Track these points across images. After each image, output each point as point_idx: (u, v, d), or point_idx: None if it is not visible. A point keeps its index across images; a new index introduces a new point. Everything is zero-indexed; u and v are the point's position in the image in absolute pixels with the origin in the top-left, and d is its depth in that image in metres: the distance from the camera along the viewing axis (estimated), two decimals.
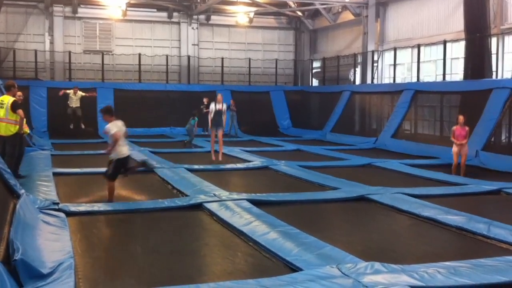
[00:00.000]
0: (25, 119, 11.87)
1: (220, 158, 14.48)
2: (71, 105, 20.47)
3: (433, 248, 6.63)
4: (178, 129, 22.42)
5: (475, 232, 7.06)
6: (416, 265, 5.50)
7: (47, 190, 9.16)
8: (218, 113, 14.41)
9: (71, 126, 20.39)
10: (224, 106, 14.73)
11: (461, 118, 12.41)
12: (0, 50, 23.05)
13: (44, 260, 5.33)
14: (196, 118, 17.59)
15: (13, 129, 10.27)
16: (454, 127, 12.42)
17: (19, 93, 11.33)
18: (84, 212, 7.95)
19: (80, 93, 20.46)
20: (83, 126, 20.55)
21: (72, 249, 5.85)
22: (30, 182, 9.88)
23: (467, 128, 12.41)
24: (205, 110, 18.60)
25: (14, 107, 10.19)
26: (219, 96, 14.71)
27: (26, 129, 12.55)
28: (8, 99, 10.35)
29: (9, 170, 7.79)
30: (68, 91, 20.48)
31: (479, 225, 7.26)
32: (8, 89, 10.78)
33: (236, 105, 21.97)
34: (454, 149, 12.29)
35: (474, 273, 5.30)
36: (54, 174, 11.03)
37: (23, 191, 7.58)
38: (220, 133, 14.51)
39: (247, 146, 17.78)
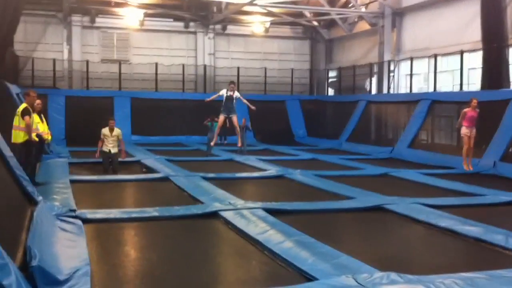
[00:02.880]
0: (44, 128, 12.09)
1: (239, 144, 14.64)
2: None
3: (450, 259, 6.57)
4: (194, 137, 22.52)
5: (492, 243, 6.96)
6: (432, 276, 5.44)
7: (64, 197, 9.22)
8: (229, 98, 14.32)
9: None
10: (236, 94, 14.64)
11: (474, 101, 12.31)
12: (19, 59, 23.33)
13: (60, 266, 5.36)
14: (216, 124, 17.49)
15: (23, 136, 10.26)
16: (466, 109, 12.32)
17: (38, 101, 11.44)
18: (100, 219, 8.00)
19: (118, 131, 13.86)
20: None
21: (88, 256, 5.88)
22: (48, 189, 9.95)
23: (478, 111, 12.29)
24: (204, 122, 18.49)
25: (22, 114, 10.20)
26: (232, 85, 14.70)
27: (48, 137, 12.68)
28: (22, 107, 10.43)
29: (27, 177, 7.88)
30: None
31: (497, 236, 7.17)
32: (25, 97, 10.90)
33: (247, 126, 21.22)
34: (465, 130, 12.15)
35: (492, 284, 5.23)
36: (71, 181, 11.10)
37: (40, 198, 7.65)
38: (234, 118, 14.44)
39: (262, 155, 17.79)
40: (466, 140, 12.20)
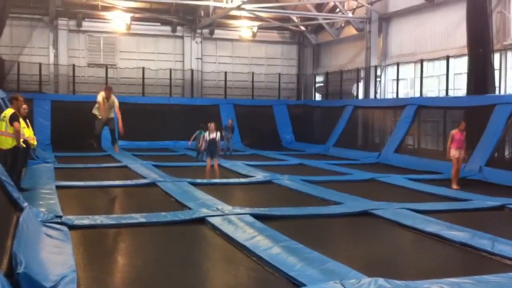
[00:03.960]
0: (30, 133, 11.99)
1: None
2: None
3: (437, 264, 6.60)
4: (182, 142, 22.44)
5: (479, 248, 7.01)
6: (420, 281, 5.46)
7: (50, 203, 9.16)
8: (212, 142, 14.08)
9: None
10: (218, 135, 14.38)
11: (463, 123, 12.47)
12: (5, 63, 23.16)
13: (47, 273, 5.31)
14: (203, 132, 17.47)
15: (11, 142, 10.13)
16: (454, 131, 12.45)
17: (24, 106, 11.33)
18: (87, 225, 7.94)
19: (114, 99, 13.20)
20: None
21: (75, 263, 5.83)
22: (33, 195, 9.87)
23: (465, 134, 12.47)
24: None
25: (11, 119, 10.09)
26: (212, 125, 14.29)
27: (33, 142, 12.56)
28: (9, 112, 10.33)
29: (12, 183, 7.80)
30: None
31: (483, 241, 7.22)
32: (11, 102, 10.78)
33: (232, 128, 21.29)
34: (454, 153, 12.29)
35: None
36: (57, 187, 11.02)
37: (26, 204, 7.57)
38: (216, 162, 14.33)
39: (250, 160, 17.78)
40: (455, 162, 12.36)
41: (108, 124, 13.13)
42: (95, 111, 12.96)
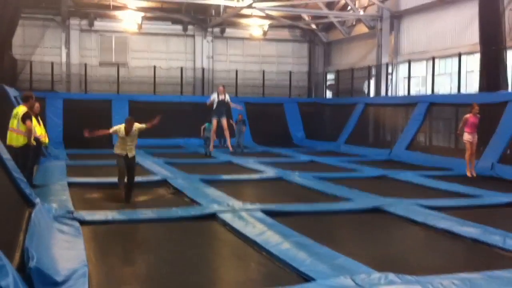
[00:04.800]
0: (42, 131, 12.08)
1: (230, 148, 14.67)
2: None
3: (447, 260, 6.57)
4: (193, 140, 22.49)
5: (490, 244, 6.97)
6: (431, 277, 5.44)
7: (62, 199, 9.23)
8: (221, 103, 14.43)
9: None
10: (227, 97, 14.78)
11: (476, 107, 12.28)
12: (17, 62, 23.33)
13: (58, 268, 5.36)
14: (210, 124, 17.52)
15: (23, 140, 10.17)
16: (468, 115, 12.27)
17: (37, 104, 11.42)
18: (98, 221, 8.00)
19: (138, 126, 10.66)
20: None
21: (86, 258, 5.88)
22: (45, 191, 9.96)
23: (479, 117, 12.28)
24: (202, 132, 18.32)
25: (23, 118, 10.14)
26: (220, 88, 14.78)
27: (45, 139, 12.64)
28: (22, 110, 10.40)
29: (25, 180, 7.87)
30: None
31: (495, 237, 7.18)
32: (25, 100, 10.85)
33: (243, 121, 21.27)
34: (468, 137, 12.10)
35: (489, 285, 5.24)
36: (69, 183, 11.11)
37: (38, 200, 7.64)
38: (224, 122, 14.54)
39: (261, 157, 17.79)
40: (468, 146, 12.15)
41: (129, 165, 10.07)
42: (116, 150, 10.24)
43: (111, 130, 10.44)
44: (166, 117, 23.36)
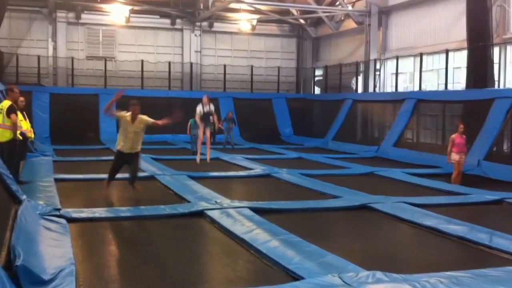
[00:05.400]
0: (27, 125, 11.97)
1: (208, 160, 14.69)
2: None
3: (435, 258, 6.61)
4: (181, 135, 22.43)
5: (477, 242, 7.03)
6: (418, 275, 5.47)
7: (49, 196, 9.16)
8: (207, 114, 14.52)
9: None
10: (212, 107, 14.81)
11: (461, 126, 12.36)
12: (3, 55, 23.09)
13: (45, 266, 5.32)
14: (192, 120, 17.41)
15: (8, 135, 10.05)
16: (454, 135, 12.35)
17: (21, 98, 11.29)
18: (85, 218, 7.94)
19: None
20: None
21: (73, 255, 5.84)
22: (32, 188, 9.87)
23: (465, 137, 12.38)
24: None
25: (8, 112, 10.01)
26: (205, 98, 14.77)
27: (31, 134, 12.54)
28: (6, 104, 10.28)
29: (11, 176, 7.80)
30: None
31: (481, 235, 7.24)
32: (7, 94, 10.73)
33: (232, 119, 21.19)
34: (455, 157, 12.21)
35: (476, 283, 5.28)
36: (56, 180, 11.02)
37: (24, 196, 7.58)
38: (208, 133, 14.64)
39: (248, 153, 17.78)
40: (456, 166, 12.24)
41: (130, 162, 9.69)
42: (117, 145, 9.79)
43: (116, 112, 9.80)
44: (153, 113, 23.66)
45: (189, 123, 17.80)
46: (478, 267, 5.84)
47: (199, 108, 14.71)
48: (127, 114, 9.48)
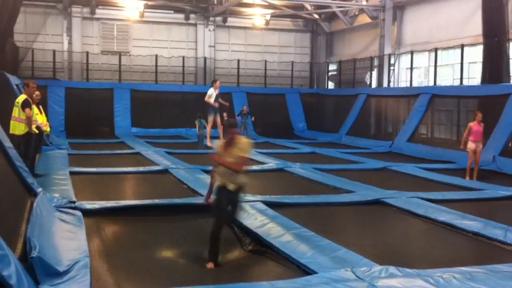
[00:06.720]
0: (43, 119, 12.08)
1: (208, 144, 14.98)
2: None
3: (448, 253, 6.58)
4: (194, 130, 22.44)
5: (491, 238, 6.99)
6: (431, 270, 5.46)
7: (64, 189, 9.23)
8: (217, 98, 14.84)
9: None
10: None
11: (479, 114, 12.24)
12: (19, 50, 23.27)
13: (60, 258, 5.38)
14: (203, 120, 17.52)
15: (24, 128, 10.19)
16: (471, 123, 12.23)
17: (37, 92, 11.39)
18: (100, 211, 8.00)
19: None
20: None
21: (88, 248, 5.89)
22: (47, 180, 9.97)
23: (483, 125, 12.25)
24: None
25: (23, 106, 10.15)
26: (218, 83, 15.10)
27: (46, 128, 12.66)
28: (21, 98, 10.40)
29: (27, 169, 7.88)
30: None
31: (496, 230, 7.19)
32: (24, 88, 10.85)
33: (248, 113, 21.31)
34: (471, 145, 12.09)
35: (490, 279, 5.25)
36: (71, 173, 11.10)
37: (40, 189, 7.65)
38: (218, 119, 14.91)
39: (262, 148, 17.75)
40: (471, 155, 12.11)
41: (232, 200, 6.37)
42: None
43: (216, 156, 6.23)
44: (167, 107, 23.80)
45: (197, 124, 17.80)
46: (492, 263, 5.81)
47: (211, 91, 14.97)
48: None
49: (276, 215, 7.74)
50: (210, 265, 5.86)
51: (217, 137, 15.38)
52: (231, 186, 6.07)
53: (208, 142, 15.56)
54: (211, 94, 14.99)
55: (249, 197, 8.92)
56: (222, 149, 6.16)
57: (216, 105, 16.08)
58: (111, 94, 23.45)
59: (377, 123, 22.24)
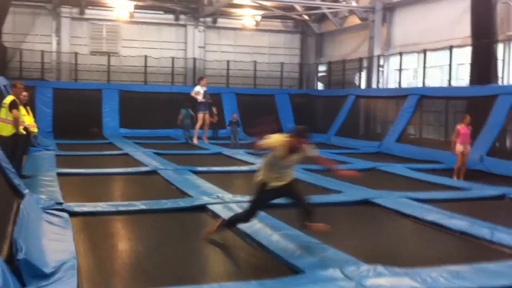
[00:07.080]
0: (31, 120, 12.01)
1: (195, 141, 14.92)
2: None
3: (436, 252, 6.61)
4: (183, 131, 22.46)
5: (478, 237, 7.03)
6: (419, 269, 5.49)
7: (51, 190, 9.18)
8: (205, 95, 14.93)
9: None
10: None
11: (468, 117, 12.37)
12: (7, 50, 23.10)
13: (47, 259, 5.34)
14: (189, 110, 17.47)
15: (11, 129, 10.13)
16: (459, 126, 12.36)
17: (24, 93, 11.32)
18: (87, 212, 7.97)
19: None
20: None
21: (75, 249, 5.86)
22: (34, 182, 9.90)
23: (471, 128, 12.38)
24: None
25: (10, 107, 10.10)
26: (205, 80, 15.14)
27: (34, 129, 12.59)
28: (9, 99, 10.33)
29: (13, 170, 7.82)
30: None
31: (483, 229, 7.23)
32: (11, 89, 10.79)
33: (237, 122, 20.54)
34: (459, 148, 12.21)
35: (477, 277, 5.29)
36: (58, 174, 11.04)
37: (27, 191, 7.60)
38: (207, 116, 15.00)
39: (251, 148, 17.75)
40: (459, 157, 12.24)
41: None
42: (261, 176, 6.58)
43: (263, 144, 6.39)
44: (156, 108, 23.72)
45: (181, 114, 17.73)
46: (479, 261, 5.85)
47: (198, 88, 15.02)
48: (279, 141, 6.39)
49: (265, 216, 7.71)
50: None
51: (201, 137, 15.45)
52: (278, 184, 6.40)
53: (195, 140, 15.54)
54: (199, 91, 15.01)
55: (238, 197, 8.94)
56: (282, 150, 6.29)
57: (205, 101, 16.17)
58: (99, 95, 23.36)
59: (366, 124, 22.32)
